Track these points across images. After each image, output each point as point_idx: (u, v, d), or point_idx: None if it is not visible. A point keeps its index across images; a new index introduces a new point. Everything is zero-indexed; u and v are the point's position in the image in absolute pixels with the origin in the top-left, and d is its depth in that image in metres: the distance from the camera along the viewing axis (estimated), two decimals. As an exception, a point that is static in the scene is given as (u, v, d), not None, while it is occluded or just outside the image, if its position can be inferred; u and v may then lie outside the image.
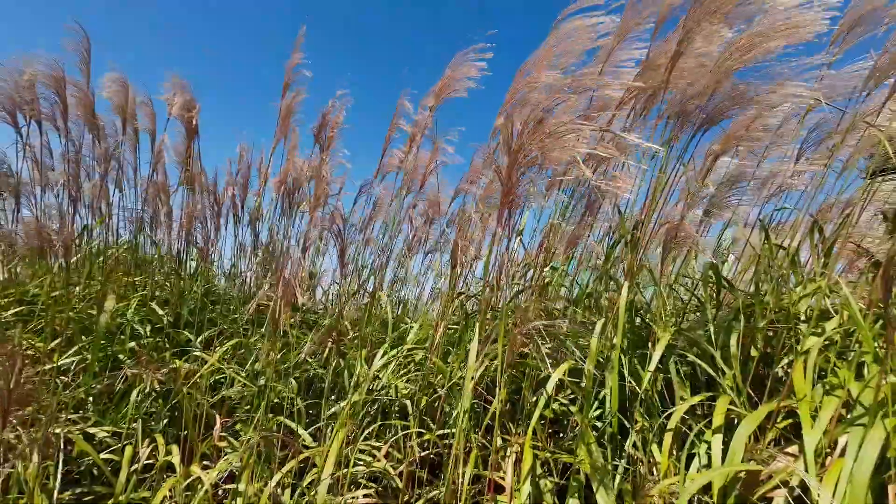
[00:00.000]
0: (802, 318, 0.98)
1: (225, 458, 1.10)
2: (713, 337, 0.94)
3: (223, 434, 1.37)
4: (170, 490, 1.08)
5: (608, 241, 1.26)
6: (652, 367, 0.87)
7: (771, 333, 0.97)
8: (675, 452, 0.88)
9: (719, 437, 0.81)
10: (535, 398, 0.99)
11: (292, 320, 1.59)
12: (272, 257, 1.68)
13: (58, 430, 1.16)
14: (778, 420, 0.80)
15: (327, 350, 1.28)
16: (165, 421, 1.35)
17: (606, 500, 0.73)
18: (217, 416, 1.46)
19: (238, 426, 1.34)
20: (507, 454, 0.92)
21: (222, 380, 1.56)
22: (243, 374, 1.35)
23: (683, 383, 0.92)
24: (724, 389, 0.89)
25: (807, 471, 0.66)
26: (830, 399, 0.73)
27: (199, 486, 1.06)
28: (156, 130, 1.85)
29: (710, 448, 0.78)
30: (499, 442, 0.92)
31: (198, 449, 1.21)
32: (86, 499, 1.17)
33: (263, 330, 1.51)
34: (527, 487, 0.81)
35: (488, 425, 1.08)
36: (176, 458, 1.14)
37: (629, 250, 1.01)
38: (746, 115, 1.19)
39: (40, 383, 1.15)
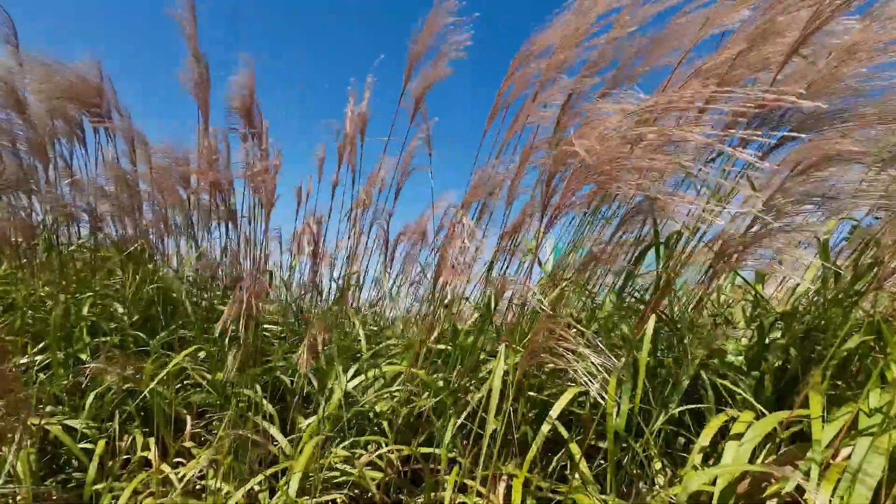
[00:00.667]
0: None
1: (198, 456, 1.18)
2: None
3: (199, 431, 1.46)
4: (143, 484, 1.17)
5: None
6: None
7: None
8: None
9: (735, 443, 0.92)
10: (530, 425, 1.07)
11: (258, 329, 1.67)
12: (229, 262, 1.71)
13: (36, 421, 1.23)
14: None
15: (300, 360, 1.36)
16: (137, 422, 1.41)
17: None
18: (188, 417, 1.54)
19: (213, 425, 1.42)
20: (499, 478, 1.03)
21: (189, 385, 1.63)
22: (210, 379, 1.42)
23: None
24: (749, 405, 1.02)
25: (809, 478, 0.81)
26: (842, 410, 0.87)
27: (175, 481, 1.14)
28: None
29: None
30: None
31: (171, 447, 1.29)
32: (69, 485, 1.26)
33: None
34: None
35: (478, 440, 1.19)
36: (152, 454, 1.22)
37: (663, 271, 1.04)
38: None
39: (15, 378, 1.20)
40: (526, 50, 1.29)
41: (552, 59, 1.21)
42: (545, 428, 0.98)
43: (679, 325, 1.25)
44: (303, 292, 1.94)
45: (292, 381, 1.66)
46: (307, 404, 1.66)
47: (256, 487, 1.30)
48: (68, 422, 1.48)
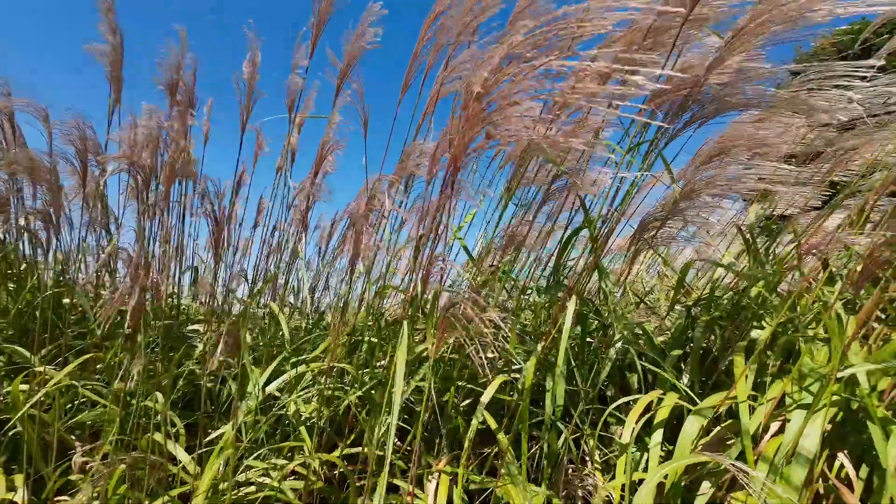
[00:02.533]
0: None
1: (82, 490, 0.98)
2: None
3: (89, 459, 1.22)
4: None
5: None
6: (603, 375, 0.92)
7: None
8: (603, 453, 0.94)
9: (659, 432, 0.89)
10: (462, 415, 1.00)
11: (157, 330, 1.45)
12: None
13: None
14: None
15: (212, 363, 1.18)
16: (4, 458, 1.16)
17: None
18: (77, 444, 1.29)
19: (106, 450, 1.20)
20: (430, 474, 0.93)
21: (83, 402, 1.38)
22: (104, 393, 1.20)
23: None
24: (671, 386, 0.98)
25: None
26: (772, 389, 0.83)
27: None
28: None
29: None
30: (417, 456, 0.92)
31: (49, 482, 1.07)
32: None
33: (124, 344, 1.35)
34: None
35: (411, 438, 1.08)
36: (19, 495, 0.99)
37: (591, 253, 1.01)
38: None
39: None
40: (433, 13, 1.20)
41: (461, 22, 1.11)
42: (475, 420, 0.91)
43: (602, 308, 1.23)
44: (228, 286, 1.73)
45: (218, 389, 1.46)
46: (227, 414, 1.48)
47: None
48: None
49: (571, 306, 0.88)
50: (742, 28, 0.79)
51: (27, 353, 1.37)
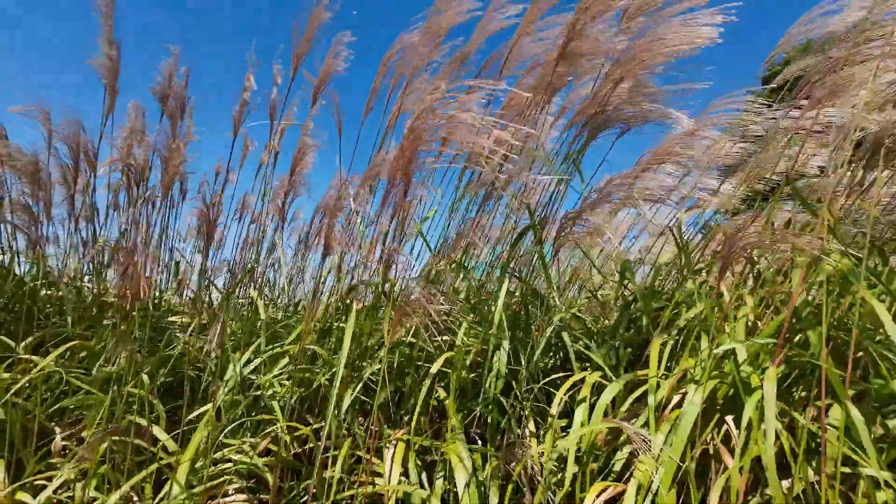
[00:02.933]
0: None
1: (63, 469, 1.06)
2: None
3: (69, 444, 1.30)
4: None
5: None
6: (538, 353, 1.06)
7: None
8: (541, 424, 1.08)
9: (584, 405, 1.04)
10: (419, 389, 1.12)
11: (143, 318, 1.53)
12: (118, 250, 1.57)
13: None
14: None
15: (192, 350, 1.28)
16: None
17: (464, 473, 0.90)
18: (57, 429, 1.37)
19: (85, 434, 1.28)
20: (389, 443, 1.05)
21: (65, 389, 1.45)
22: (87, 379, 1.28)
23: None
24: (596, 366, 1.13)
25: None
26: (678, 368, 0.99)
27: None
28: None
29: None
30: (377, 429, 1.04)
31: (28, 466, 1.14)
32: None
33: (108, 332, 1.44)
34: (398, 471, 0.95)
35: (368, 413, 1.21)
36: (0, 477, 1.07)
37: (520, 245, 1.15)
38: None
39: None
40: (393, 49, 1.38)
41: (416, 55, 1.30)
42: (423, 389, 1.05)
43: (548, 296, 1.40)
44: (208, 278, 1.82)
45: (197, 375, 1.55)
46: (206, 397, 1.56)
47: (134, 495, 1.20)
48: None
49: (505, 284, 1.03)
50: (618, 61, 0.98)
51: (11, 343, 1.43)
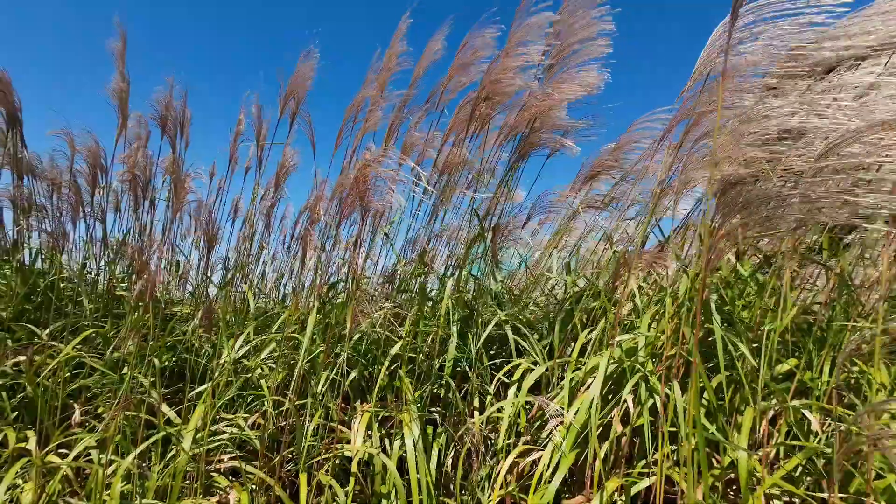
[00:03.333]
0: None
1: (83, 439, 1.28)
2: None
3: (85, 419, 1.52)
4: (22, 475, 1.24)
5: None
6: (480, 342, 1.28)
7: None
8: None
9: (514, 387, 1.26)
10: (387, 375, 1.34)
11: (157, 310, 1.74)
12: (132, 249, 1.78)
13: None
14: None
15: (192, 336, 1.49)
16: (15, 414, 1.44)
17: (411, 438, 1.11)
18: (76, 405, 1.59)
19: (101, 410, 1.50)
20: (357, 415, 1.27)
21: (80, 372, 1.66)
22: (101, 363, 1.50)
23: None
24: (530, 355, 1.34)
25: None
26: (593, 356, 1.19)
27: (63, 466, 1.23)
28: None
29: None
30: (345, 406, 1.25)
31: (53, 437, 1.36)
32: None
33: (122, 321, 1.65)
34: (362, 435, 1.16)
35: (346, 395, 1.42)
36: (32, 443, 1.28)
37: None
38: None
39: None
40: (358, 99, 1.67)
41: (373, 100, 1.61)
42: (384, 368, 1.27)
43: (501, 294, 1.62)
44: (204, 275, 2.04)
45: (196, 360, 1.77)
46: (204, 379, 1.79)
47: (142, 461, 1.42)
48: None
49: (450, 282, 1.25)
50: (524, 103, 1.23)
51: (36, 330, 1.65)
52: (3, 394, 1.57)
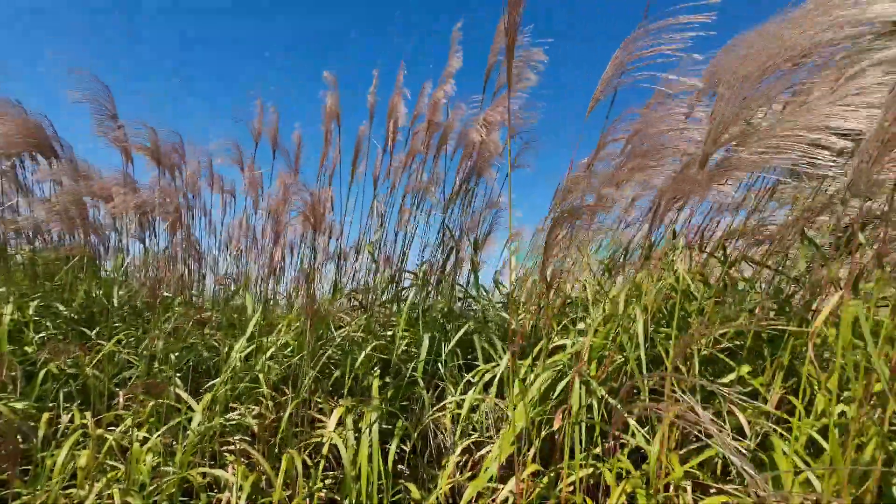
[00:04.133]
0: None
1: (125, 419, 1.58)
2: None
3: (129, 403, 1.84)
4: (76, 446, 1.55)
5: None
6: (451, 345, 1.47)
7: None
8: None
9: (478, 387, 1.43)
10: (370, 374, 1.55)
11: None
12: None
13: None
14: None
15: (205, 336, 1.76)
16: (79, 401, 1.79)
17: (374, 426, 1.30)
18: (120, 392, 1.92)
19: (138, 397, 1.81)
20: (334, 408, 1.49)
21: (128, 364, 2.00)
22: (136, 359, 1.81)
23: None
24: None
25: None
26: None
27: (106, 442, 1.53)
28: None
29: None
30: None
31: (104, 417, 1.68)
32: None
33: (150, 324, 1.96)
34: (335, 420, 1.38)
35: (330, 391, 1.65)
36: (89, 422, 1.60)
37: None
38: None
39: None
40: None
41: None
42: (355, 369, 1.46)
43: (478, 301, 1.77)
44: (224, 284, 2.36)
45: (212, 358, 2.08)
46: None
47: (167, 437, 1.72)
48: (13, 404, 1.84)
49: (413, 290, 1.43)
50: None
51: (88, 332, 2.01)
52: (71, 381, 1.93)
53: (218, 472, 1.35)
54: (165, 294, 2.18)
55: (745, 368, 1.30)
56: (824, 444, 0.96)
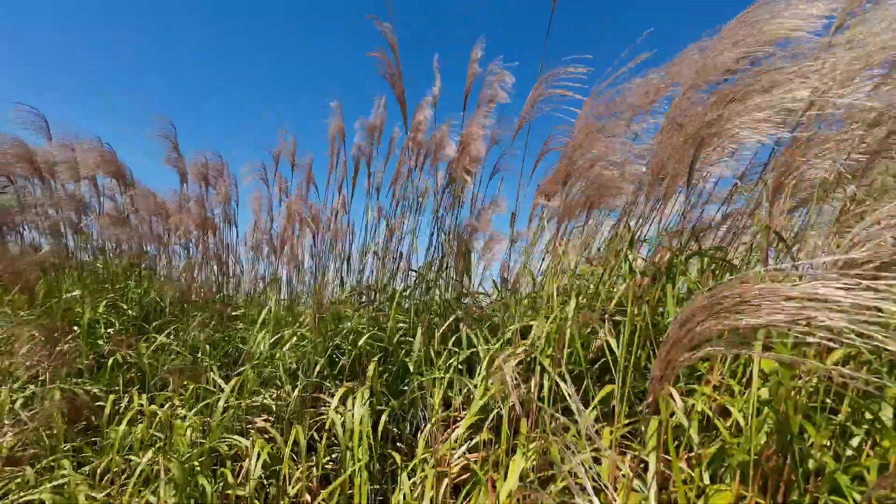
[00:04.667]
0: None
1: (173, 400, 1.87)
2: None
3: (181, 389, 2.15)
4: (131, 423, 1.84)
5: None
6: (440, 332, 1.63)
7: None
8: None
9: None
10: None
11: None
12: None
13: (65, 387, 1.93)
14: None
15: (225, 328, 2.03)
16: (137, 386, 2.13)
17: (361, 402, 1.48)
18: (171, 378, 2.24)
19: (185, 382, 2.11)
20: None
21: (178, 354, 2.33)
22: (184, 350, 2.12)
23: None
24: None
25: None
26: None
27: (157, 417, 1.82)
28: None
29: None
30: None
31: (157, 398, 1.99)
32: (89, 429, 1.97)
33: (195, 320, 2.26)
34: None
35: (337, 376, 1.85)
36: (144, 402, 1.91)
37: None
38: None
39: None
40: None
41: None
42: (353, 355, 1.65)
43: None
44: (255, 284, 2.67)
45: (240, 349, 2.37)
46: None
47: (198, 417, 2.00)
48: (88, 387, 2.22)
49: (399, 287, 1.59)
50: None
51: (145, 325, 2.36)
52: (132, 368, 2.28)
53: (239, 439, 1.58)
54: (206, 293, 2.51)
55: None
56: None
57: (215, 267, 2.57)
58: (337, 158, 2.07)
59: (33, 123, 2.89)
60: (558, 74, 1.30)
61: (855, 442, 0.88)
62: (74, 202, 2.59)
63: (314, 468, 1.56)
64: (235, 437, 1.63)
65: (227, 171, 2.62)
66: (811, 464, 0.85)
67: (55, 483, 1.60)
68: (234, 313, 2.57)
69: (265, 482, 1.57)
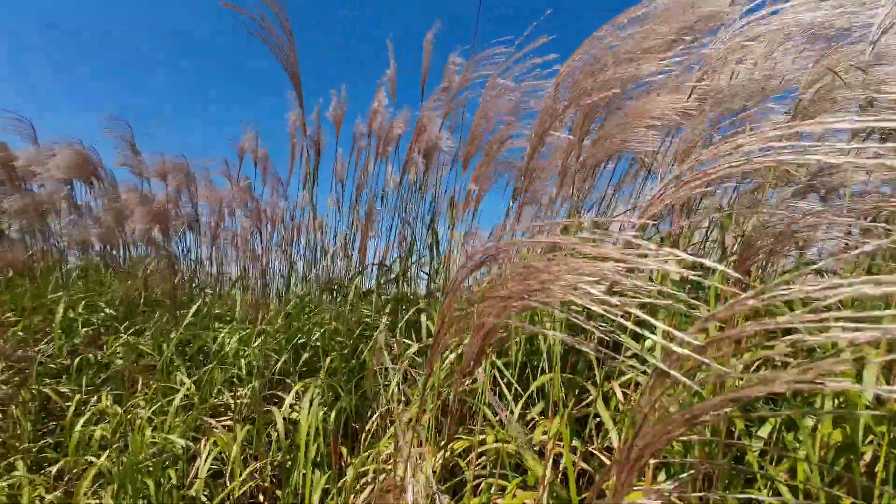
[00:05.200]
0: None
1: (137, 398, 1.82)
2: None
3: (146, 388, 2.10)
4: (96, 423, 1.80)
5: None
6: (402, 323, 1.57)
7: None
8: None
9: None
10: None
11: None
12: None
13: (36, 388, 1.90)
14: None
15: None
16: (110, 387, 2.08)
17: (309, 398, 1.41)
18: (140, 378, 2.19)
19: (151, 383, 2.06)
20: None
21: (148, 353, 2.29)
22: (150, 349, 2.07)
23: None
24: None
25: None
26: None
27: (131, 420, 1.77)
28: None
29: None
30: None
31: (124, 398, 1.94)
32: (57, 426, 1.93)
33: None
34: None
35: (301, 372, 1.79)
36: (109, 402, 1.85)
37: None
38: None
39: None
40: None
41: None
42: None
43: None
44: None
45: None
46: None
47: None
48: (59, 387, 2.19)
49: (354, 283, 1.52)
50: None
51: (119, 326, 2.33)
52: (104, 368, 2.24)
53: (179, 440, 1.53)
54: (178, 292, 2.47)
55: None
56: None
57: (184, 265, 2.54)
58: (301, 154, 2.02)
59: (21, 130, 2.91)
60: (481, 58, 1.29)
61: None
62: (48, 204, 2.59)
63: (267, 467, 1.50)
64: (177, 438, 1.57)
65: (191, 169, 2.60)
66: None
67: (7, 483, 1.56)
68: (202, 310, 2.53)
69: (213, 482, 1.51)
